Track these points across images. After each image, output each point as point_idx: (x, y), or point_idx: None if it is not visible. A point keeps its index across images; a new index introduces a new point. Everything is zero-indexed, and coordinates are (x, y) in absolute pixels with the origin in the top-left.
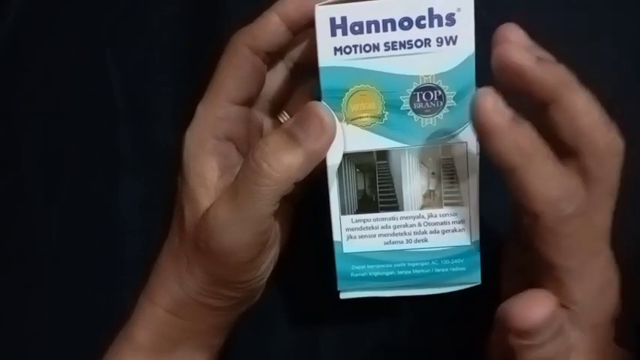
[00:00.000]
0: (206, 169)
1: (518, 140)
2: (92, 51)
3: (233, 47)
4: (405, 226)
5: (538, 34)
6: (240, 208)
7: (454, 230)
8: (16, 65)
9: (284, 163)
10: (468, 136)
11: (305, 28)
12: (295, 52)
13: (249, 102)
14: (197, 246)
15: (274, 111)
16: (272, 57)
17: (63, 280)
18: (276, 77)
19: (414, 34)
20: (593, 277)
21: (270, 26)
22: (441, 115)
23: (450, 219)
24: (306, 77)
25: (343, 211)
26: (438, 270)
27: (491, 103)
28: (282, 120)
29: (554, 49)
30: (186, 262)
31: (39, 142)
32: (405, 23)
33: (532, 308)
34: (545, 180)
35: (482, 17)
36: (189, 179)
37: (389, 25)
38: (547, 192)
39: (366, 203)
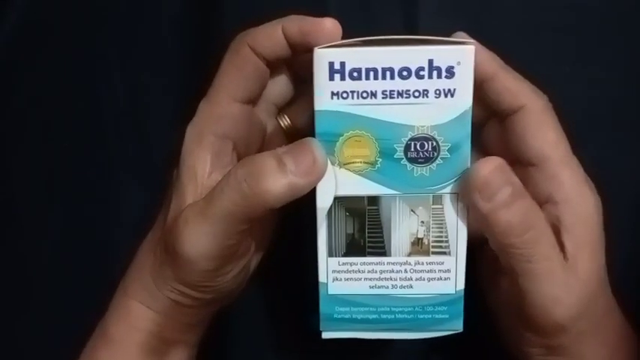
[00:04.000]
0: (198, 164)
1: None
2: (94, 51)
3: (236, 46)
4: (392, 271)
5: (538, 33)
6: (209, 220)
7: (439, 279)
8: (17, 65)
9: (263, 188)
10: (459, 188)
11: (304, 52)
12: (302, 57)
13: (251, 101)
14: (165, 245)
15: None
16: (275, 63)
17: (62, 281)
18: (281, 79)
19: (413, 84)
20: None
21: (273, 36)
22: (434, 166)
23: (437, 267)
24: (310, 81)
25: (330, 253)
26: (421, 316)
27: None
28: (281, 123)
29: (553, 47)
30: (159, 258)
31: (39, 142)
32: (404, 73)
33: (481, 165)
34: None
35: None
36: (182, 173)
37: (388, 73)
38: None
39: (354, 247)
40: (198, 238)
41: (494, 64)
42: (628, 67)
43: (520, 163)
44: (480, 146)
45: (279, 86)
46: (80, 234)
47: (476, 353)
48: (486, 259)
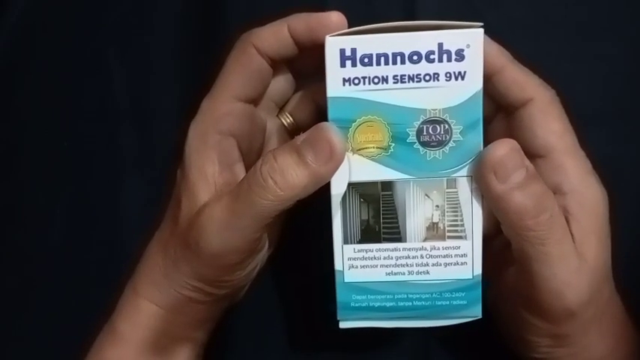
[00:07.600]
0: (207, 163)
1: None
2: (95, 50)
3: (241, 45)
4: (408, 257)
5: (537, 29)
6: (237, 215)
7: (456, 263)
8: (19, 64)
9: (289, 182)
10: (473, 170)
11: (311, 49)
12: (303, 58)
13: (253, 100)
14: (186, 242)
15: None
16: (277, 62)
17: (63, 280)
18: (282, 78)
19: (423, 68)
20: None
21: (279, 35)
22: (446, 149)
23: (453, 252)
24: (310, 78)
25: (346, 241)
26: (438, 303)
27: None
28: (284, 121)
29: (552, 44)
30: (174, 256)
31: (41, 141)
32: (415, 57)
33: (496, 146)
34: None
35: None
36: (190, 172)
37: (398, 58)
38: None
39: (369, 233)
40: (225, 233)
41: (502, 57)
42: (633, 63)
43: (528, 156)
44: (488, 142)
45: (279, 84)
46: (84, 233)
47: (476, 350)
48: (489, 253)
